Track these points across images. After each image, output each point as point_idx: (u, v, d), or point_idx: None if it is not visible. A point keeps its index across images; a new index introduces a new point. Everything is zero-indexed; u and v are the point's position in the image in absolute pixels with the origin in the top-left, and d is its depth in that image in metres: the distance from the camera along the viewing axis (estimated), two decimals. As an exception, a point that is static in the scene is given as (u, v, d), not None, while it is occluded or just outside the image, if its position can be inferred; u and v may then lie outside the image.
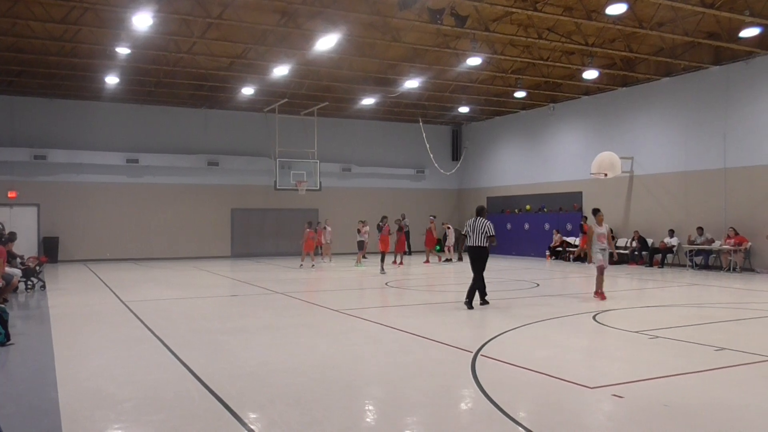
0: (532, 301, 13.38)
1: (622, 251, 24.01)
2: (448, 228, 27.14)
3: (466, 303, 12.31)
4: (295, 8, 17.14)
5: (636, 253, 23.35)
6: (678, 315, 11.95)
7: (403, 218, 26.96)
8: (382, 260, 21.18)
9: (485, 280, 12.75)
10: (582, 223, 24.62)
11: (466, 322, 11.39)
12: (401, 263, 23.98)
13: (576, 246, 25.75)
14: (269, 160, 28.67)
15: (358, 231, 25.01)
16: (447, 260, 26.19)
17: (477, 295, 12.48)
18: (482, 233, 12.45)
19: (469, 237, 12.64)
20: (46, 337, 9.59)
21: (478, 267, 12.55)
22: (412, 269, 22.51)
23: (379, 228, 22.76)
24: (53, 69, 22.50)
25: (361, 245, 24.56)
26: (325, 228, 26.15)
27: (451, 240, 26.81)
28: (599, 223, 13.82)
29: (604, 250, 13.67)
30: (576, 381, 6.76)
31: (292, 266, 23.50)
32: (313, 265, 23.45)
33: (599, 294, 13.63)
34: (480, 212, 12.78)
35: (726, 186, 21.00)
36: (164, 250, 28.25)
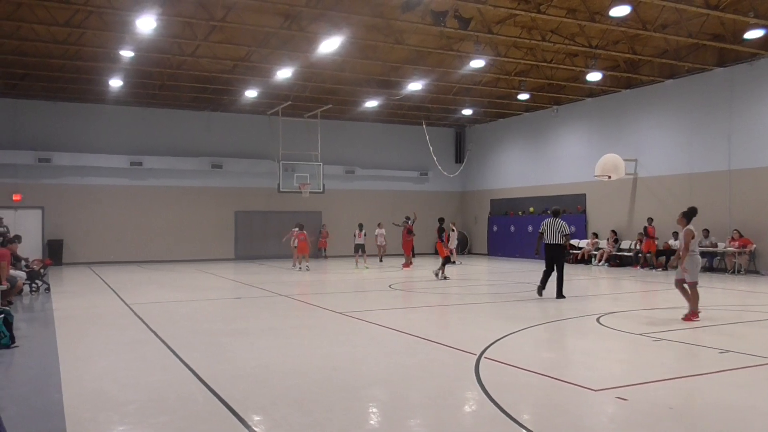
0: (535, 304, 13.35)
1: (626, 253, 24.01)
2: (453, 230, 26.98)
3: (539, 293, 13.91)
4: (298, 11, 17.17)
5: (640, 255, 23.29)
6: (682, 317, 11.90)
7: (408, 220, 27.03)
8: (444, 265, 19.24)
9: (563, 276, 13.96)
10: (647, 225, 22.82)
11: (469, 325, 11.38)
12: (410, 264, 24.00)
13: (580, 249, 25.71)
14: (273, 163, 28.69)
15: (355, 235, 25.04)
16: (451, 262, 26.00)
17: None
18: (559, 232, 13.78)
19: (546, 235, 13.91)
20: (50, 339, 9.61)
21: (558, 263, 13.82)
22: (416, 272, 22.48)
23: (440, 231, 20.69)
24: (57, 72, 22.55)
25: (360, 248, 24.58)
26: (322, 231, 25.62)
27: (453, 242, 26.61)
28: (682, 225, 11.29)
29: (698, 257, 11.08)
30: (580, 383, 6.75)
31: (295, 269, 23.47)
32: (298, 267, 23.25)
33: (695, 314, 10.91)
34: (556, 213, 14.20)
35: (731, 188, 20.96)
36: (168, 253, 28.28)
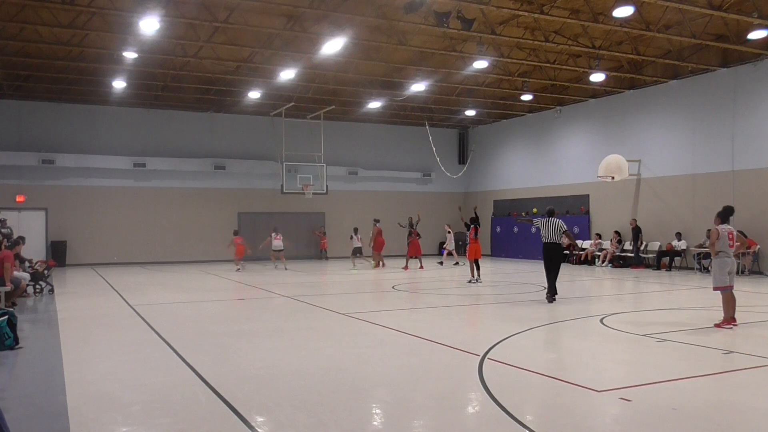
0: (539, 304, 13.32)
1: (629, 254, 23.97)
2: (449, 232, 26.84)
3: (547, 297, 13.50)
4: (301, 12, 17.19)
5: (639, 255, 23.31)
6: (686, 318, 11.90)
7: (411, 221, 27.02)
8: (478, 268, 18.44)
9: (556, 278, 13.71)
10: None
11: (472, 326, 11.39)
12: (407, 267, 23.92)
13: (584, 249, 25.68)
14: (276, 164, 28.72)
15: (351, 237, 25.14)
16: (455, 263, 25.95)
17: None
18: (558, 230, 13.59)
19: (544, 235, 13.70)
20: (54, 340, 9.63)
21: (556, 263, 13.67)
22: (419, 273, 22.48)
23: (467, 227, 19.13)
24: (60, 73, 22.61)
25: (358, 251, 24.66)
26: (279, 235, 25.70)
27: (451, 244, 26.47)
28: (716, 224, 10.60)
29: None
30: (583, 384, 6.74)
31: (299, 270, 23.50)
32: (274, 266, 24.21)
33: (726, 321, 10.33)
34: (551, 213, 13.95)
35: (734, 188, 20.91)
36: (171, 254, 28.30)
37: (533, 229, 14.36)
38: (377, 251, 24.80)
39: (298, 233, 30.61)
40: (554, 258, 13.72)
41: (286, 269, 23.77)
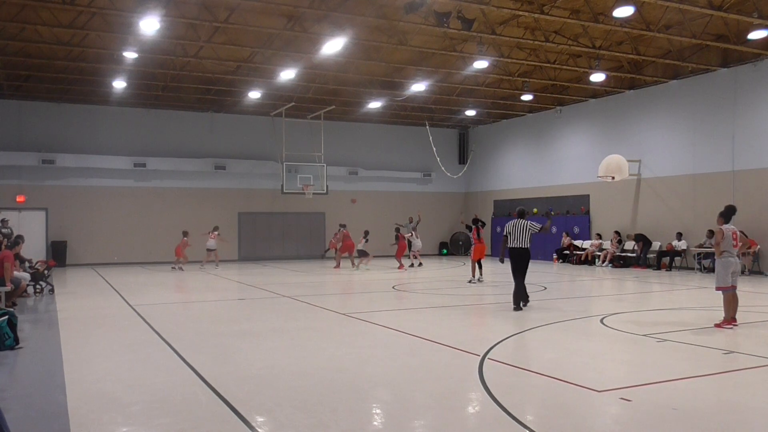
0: (539, 305, 13.31)
1: (629, 254, 23.97)
2: (412, 234, 26.44)
3: (515, 308, 12.38)
4: (301, 12, 17.18)
5: (638, 255, 23.29)
6: (686, 318, 11.90)
7: (411, 221, 26.96)
8: (480, 268, 18.37)
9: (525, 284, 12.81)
10: None
11: (473, 326, 11.38)
12: (402, 267, 23.85)
13: (584, 249, 25.67)
14: (276, 164, 28.70)
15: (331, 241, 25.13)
16: (413, 265, 25.52)
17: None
18: (528, 232, 12.63)
19: (511, 239, 12.73)
20: (54, 340, 9.63)
21: (521, 269, 12.62)
22: (419, 273, 22.48)
23: (469, 228, 19.16)
24: (61, 73, 22.60)
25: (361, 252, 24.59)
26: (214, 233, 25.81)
27: (417, 245, 26.03)
28: (719, 225, 10.65)
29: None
30: (584, 384, 6.74)
31: (300, 270, 23.49)
32: (177, 267, 24.47)
33: (726, 321, 10.41)
34: (522, 214, 12.97)
35: (734, 188, 20.91)
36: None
37: (505, 233, 13.44)
38: (342, 253, 24.59)
39: (298, 233, 30.68)
40: (521, 263, 12.68)
41: (202, 267, 24.76)
